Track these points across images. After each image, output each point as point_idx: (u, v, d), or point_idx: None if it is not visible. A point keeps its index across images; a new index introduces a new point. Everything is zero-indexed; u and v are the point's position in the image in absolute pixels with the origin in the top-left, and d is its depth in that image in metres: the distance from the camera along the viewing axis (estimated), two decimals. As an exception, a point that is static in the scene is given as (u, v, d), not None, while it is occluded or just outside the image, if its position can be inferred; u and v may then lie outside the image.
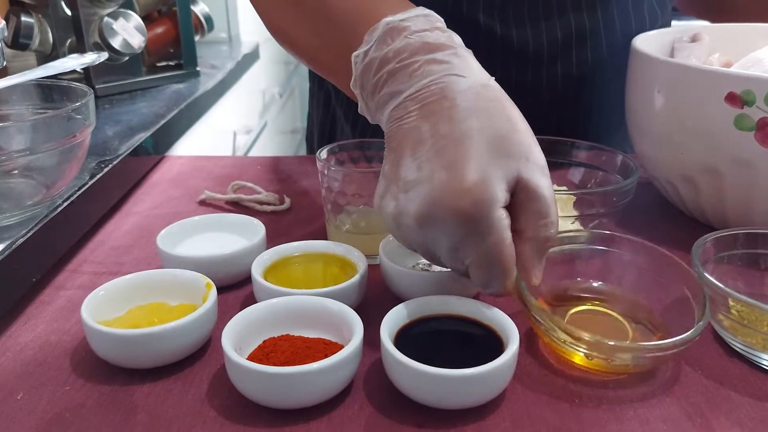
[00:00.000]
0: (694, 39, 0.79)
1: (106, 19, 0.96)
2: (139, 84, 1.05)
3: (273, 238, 0.63)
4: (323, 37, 0.52)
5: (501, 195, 0.41)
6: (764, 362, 0.45)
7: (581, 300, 0.52)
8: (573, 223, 0.61)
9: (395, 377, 0.41)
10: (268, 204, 0.72)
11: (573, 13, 0.78)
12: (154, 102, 0.98)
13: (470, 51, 0.47)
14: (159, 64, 1.13)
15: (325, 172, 0.59)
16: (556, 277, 0.52)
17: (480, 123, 0.42)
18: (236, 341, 0.44)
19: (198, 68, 1.13)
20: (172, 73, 1.09)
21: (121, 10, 0.99)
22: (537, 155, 0.43)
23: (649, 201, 0.73)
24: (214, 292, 0.48)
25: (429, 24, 0.46)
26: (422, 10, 0.47)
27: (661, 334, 0.47)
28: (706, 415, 0.42)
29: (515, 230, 0.43)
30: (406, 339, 0.44)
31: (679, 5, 1.01)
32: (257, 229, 0.59)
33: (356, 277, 0.50)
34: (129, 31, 0.97)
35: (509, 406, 0.42)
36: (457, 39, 0.47)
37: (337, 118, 0.95)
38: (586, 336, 0.42)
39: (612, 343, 0.42)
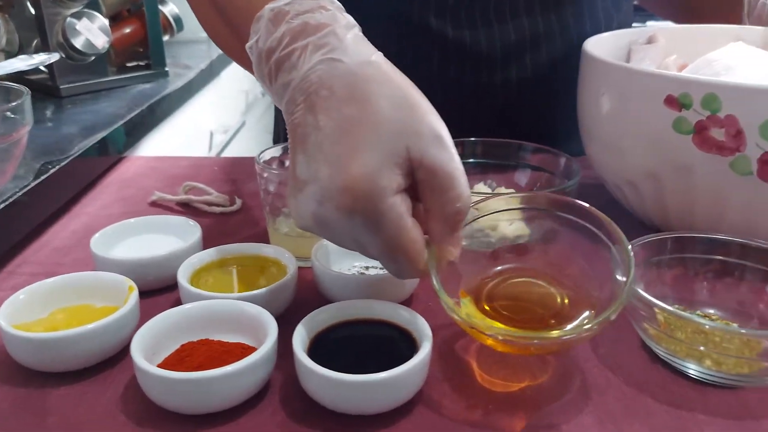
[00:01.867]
0: (650, 41, 0.79)
1: (69, 19, 0.96)
2: (105, 84, 1.05)
3: (218, 240, 0.62)
4: (233, 30, 0.51)
5: (390, 182, 0.39)
6: (689, 370, 0.45)
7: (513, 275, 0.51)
8: (511, 225, 0.60)
9: (304, 383, 0.41)
10: (217, 205, 0.72)
11: (526, 16, 0.78)
12: (117, 102, 0.98)
13: (354, 26, 0.43)
14: (129, 64, 1.13)
15: (264, 174, 0.58)
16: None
17: (358, 109, 0.39)
18: (152, 345, 0.43)
19: (167, 68, 1.13)
20: (139, 73, 1.09)
21: (86, 10, 0.98)
22: (428, 127, 0.40)
23: (600, 203, 0.72)
24: (135, 294, 0.47)
25: (314, 3, 0.42)
26: None
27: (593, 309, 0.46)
28: (619, 421, 0.41)
29: (426, 210, 0.42)
30: (323, 344, 0.44)
31: (645, 4, 1.01)
32: (194, 231, 0.58)
33: (281, 281, 0.49)
34: (93, 32, 0.97)
35: (422, 411, 0.42)
36: (342, 17, 0.43)
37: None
38: (494, 328, 0.42)
39: (520, 334, 0.42)
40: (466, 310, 0.44)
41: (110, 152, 0.84)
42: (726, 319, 0.50)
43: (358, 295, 0.49)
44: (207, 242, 0.59)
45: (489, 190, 0.71)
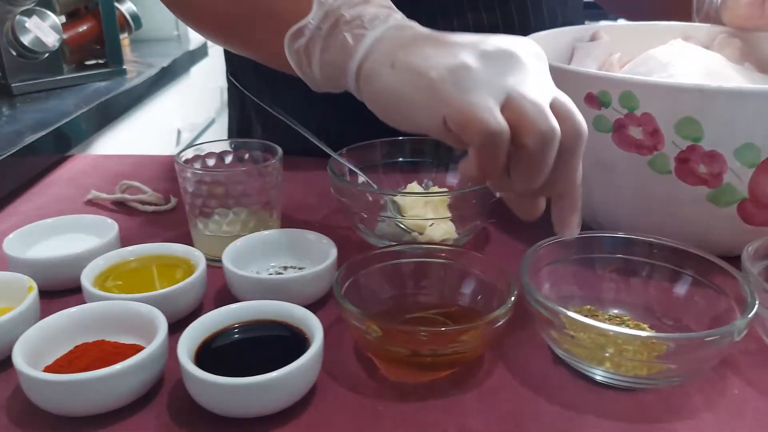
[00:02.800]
0: (593, 38, 0.78)
1: (18, 17, 0.95)
2: (60, 82, 1.04)
3: (145, 239, 0.62)
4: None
5: None
6: (589, 372, 0.44)
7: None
8: (432, 225, 0.60)
9: (189, 387, 0.40)
10: (150, 204, 0.71)
11: (470, 12, 0.77)
12: (68, 100, 0.97)
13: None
14: (88, 63, 1.12)
15: (184, 174, 0.58)
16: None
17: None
18: (40, 347, 0.43)
19: (124, 66, 1.12)
20: (95, 72, 1.08)
21: (37, 8, 0.98)
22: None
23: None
24: (33, 295, 0.47)
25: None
26: None
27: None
28: (504, 422, 0.41)
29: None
30: (213, 348, 0.43)
31: (599, 1, 1.00)
32: (111, 230, 0.58)
33: (184, 282, 0.49)
34: (43, 30, 0.96)
35: (312, 412, 0.41)
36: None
37: (251, 118, 0.94)
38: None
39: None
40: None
41: (55, 151, 0.83)
42: (634, 318, 0.50)
43: (266, 296, 0.48)
44: (135, 241, 0.58)
45: (423, 190, 0.70)
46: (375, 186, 0.64)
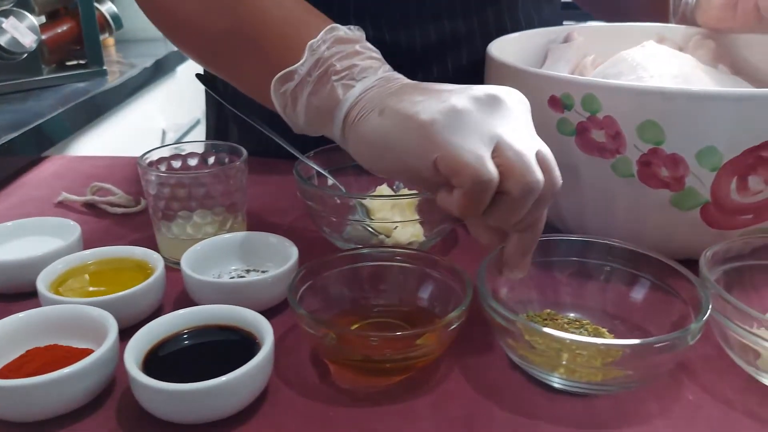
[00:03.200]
0: (566, 40, 0.78)
1: (-5, 17, 0.95)
2: (39, 83, 1.04)
3: (111, 241, 0.62)
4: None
5: None
6: (552, 381, 0.44)
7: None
8: (397, 227, 0.60)
9: (135, 394, 0.40)
10: (120, 206, 0.71)
11: (447, 19, 0.77)
12: (45, 101, 0.97)
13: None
14: (68, 63, 1.12)
15: (149, 177, 0.57)
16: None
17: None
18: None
19: (105, 67, 1.12)
20: (75, 72, 1.08)
21: (14, 9, 0.97)
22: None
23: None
24: (-15, 299, 0.47)
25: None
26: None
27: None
28: (455, 428, 0.40)
29: None
30: (162, 354, 0.43)
31: (578, 2, 0.99)
32: (73, 232, 0.57)
33: (139, 285, 0.48)
34: (20, 31, 0.96)
35: (262, 418, 0.41)
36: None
37: (227, 118, 0.94)
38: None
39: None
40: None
41: (30, 151, 0.83)
42: (593, 322, 0.49)
43: (224, 300, 0.48)
44: (100, 243, 0.57)
45: (393, 192, 0.69)
46: (343, 189, 0.64)
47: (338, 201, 0.61)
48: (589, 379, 0.42)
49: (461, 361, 0.46)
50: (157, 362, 0.41)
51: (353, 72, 0.47)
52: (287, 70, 0.48)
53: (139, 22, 1.39)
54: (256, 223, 0.66)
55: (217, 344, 0.44)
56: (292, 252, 0.53)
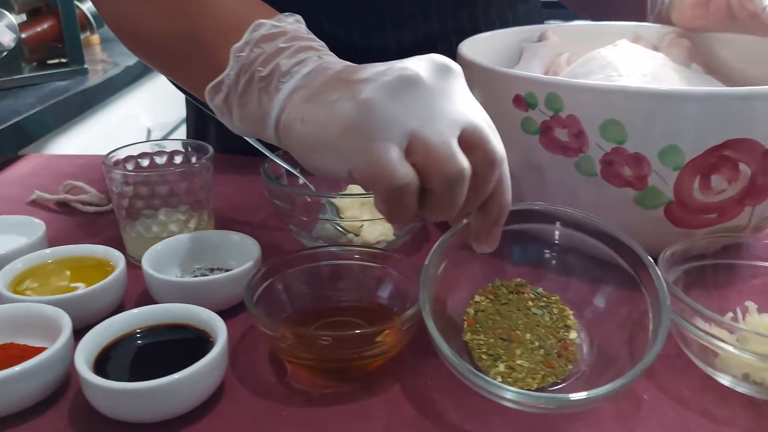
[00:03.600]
0: (540, 39, 0.78)
1: (-28, 15, 0.95)
2: (18, 81, 1.03)
3: (81, 239, 0.62)
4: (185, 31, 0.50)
5: None
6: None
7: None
8: (363, 226, 0.60)
9: (85, 393, 0.40)
10: (91, 204, 0.71)
11: (422, 22, 0.77)
12: (25, 100, 0.96)
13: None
14: (50, 62, 1.12)
15: (113, 175, 0.57)
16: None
17: None
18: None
19: (86, 65, 1.12)
20: (55, 71, 1.07)
21: (-7, 6, 0.97)
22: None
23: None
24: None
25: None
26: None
27: None
28: (410, 427, 0.40)
29: None
30: (115, 353, 0.42)
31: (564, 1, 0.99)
32: (37, 231, 0.57)
33: (97, 284, 0.48)
34: (-1, 28, 0.96)
35: (214, 417, 0.41)
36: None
37: (206, 117, 0.94)
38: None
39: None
40: None
41: (8, 150, 0.83)
42: (545, 289, 0.50)
43: (184, 299, 0.47)
44: (67, 242, 0.56)
45: (364, 191, 0.69)
46: (312, 188, 0.64)
47: (306, 200, 0.61)
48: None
49: (417, 360, 0.46)
50: (109, 361, 0.41)
51: (276, 75, 0.44)
52: (216, 81, 0.46)
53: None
54: (226, 221, 0.66)
55: (170, 343, 0.43)
56: (255, 251, 0.53)
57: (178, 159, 0.62)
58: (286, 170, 0.64)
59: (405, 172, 0.38)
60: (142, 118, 1.40)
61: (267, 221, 0.68)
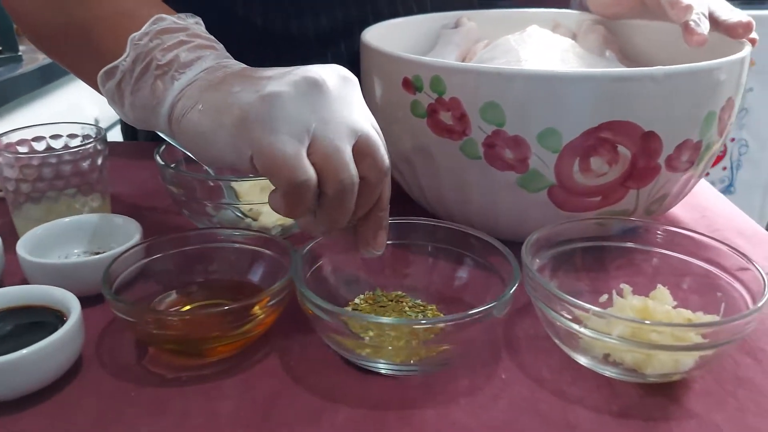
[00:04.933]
0: (456, 25, 0.78)
1: None
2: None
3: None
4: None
5: None
6: (379, 368, 0.43)
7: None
8: (265, 211, 0.59)
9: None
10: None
11: (340, 7, 0.77)
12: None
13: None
14: (-14, 49, 1.10)
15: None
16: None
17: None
18: None
19: (20, 53, 1.10)
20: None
21: None
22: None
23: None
24: None
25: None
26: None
27: None
28: (259, 407, 0.40)
29: None
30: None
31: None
32: None
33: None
34: (-77, 13, 0.94)
35: (64, 395, 0.41)
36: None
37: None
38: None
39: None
40: None
41: None
42: (423, 300, 0.49)
43: (54, 282, 0.46)
44: None
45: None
46: (212, 172, 0.64)
47: (209, 184, 0.60)
48: (402, 359, 0.42)
49: (280, 342, 0.46)
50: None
51: (174, 65, 0.44)
52: (110, 65, 0.46)
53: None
54: (129, 206, 0.65)
55: (24, 324, 0.43)
56: (135, 234, 0.52)
57: (74, 142, 0.62)
58: (186, 156, 0.63)
59: (307, 168, 0.39)
60: (89, 108, 1.38)
61: (173, 206, 0.67)
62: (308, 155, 0.39)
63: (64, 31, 0.51)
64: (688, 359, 0.40)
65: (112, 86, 0.47)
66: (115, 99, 0.48)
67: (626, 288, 0.48)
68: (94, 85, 0.51)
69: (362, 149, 0.41)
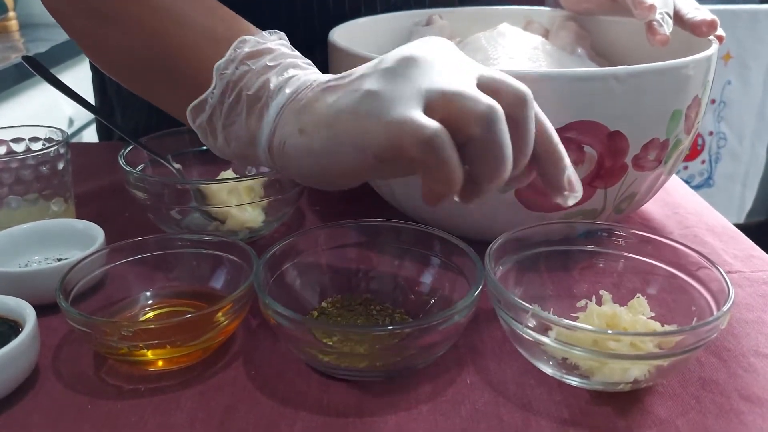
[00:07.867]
0: (428, 23, 0.77)
1: None
2: None
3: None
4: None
5: None
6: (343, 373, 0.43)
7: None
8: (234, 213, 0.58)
9: None
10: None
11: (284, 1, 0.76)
12: None
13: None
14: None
15: (-41, 162, 0.55)
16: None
17: None
18: None
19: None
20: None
21: None
22: None
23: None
24: None
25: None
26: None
27: None
28: (215, 417, 0.39)
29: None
30: None
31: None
32: None
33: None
34: None
35: (17, 411, 0.40)
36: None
37: (112, 103, 0.92)
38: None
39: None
40: None
41: None
42: (390, 303, 0.49)
43: (13, 291, 0.46)
44: None
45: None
46: (181, 175, 0.63)
47: (177, 187, 0.59)
48: (364, 365, 0.42)
49: (242, 349, 0.45)
50: None
51: (264, 94, 0.42)
52: (198, 100, 0.44)
53: (20, 7, 1.34)
54: (95, 210, 0.64)
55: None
56: (98, 240, 0.51)
57: (36, 146, 0.60)
58: (152, 158, 0.63)
59: (430, 121, 0.36)
60: (64, 107, 1.37)
61: (140, 210, 0.66)
62: (432, 114, 0.37)
63: (142, 64, 0.47)
64: (636, 370, 0.39)
65: (203, 122, 0.44)
66: (207, 135, 0.45)
67: (606, 295, 0.47)
68: (176, 114, 0.47)
69: (489, 87, 0.38)
